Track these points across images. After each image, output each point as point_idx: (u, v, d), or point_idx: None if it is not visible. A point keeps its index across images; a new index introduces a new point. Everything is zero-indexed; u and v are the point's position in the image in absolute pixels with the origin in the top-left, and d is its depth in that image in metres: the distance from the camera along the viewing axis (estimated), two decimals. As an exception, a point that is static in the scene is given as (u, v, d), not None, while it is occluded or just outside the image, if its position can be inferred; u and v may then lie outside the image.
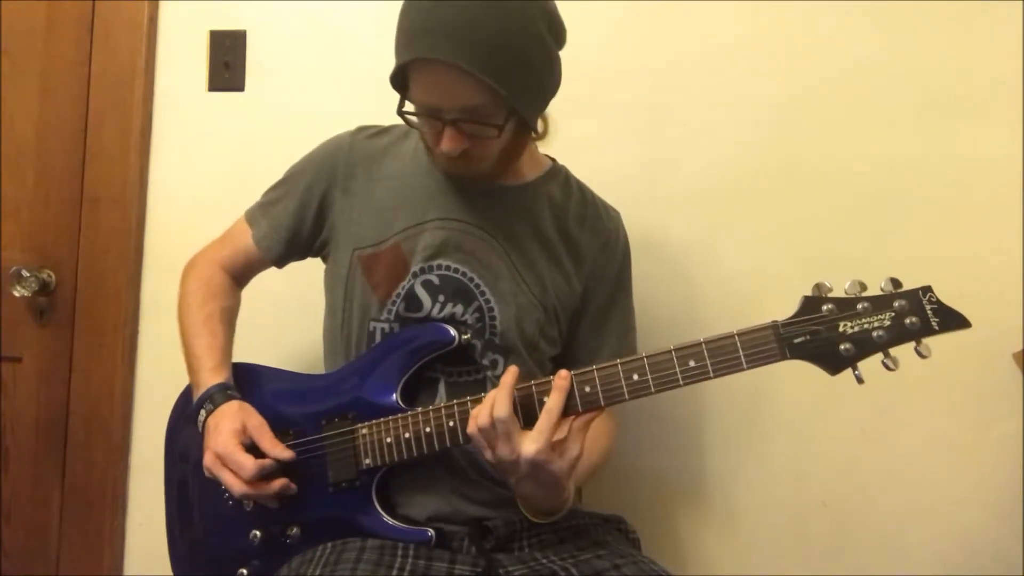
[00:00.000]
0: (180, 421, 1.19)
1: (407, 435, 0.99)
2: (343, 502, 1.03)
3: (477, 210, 1.10)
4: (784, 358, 0.86)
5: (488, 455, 0.92)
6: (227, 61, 1.59)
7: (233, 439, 1.01)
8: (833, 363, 0.85)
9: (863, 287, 0.86)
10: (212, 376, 1.09)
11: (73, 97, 1.61)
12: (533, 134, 1.07)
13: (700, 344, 0.88)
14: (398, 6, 0.96)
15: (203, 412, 1.07)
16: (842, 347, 0.85)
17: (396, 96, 0.99)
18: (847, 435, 1.44)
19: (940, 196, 1.43)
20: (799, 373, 0.87)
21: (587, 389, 0.91)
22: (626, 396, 0.90)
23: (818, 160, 1.46)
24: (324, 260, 1.20)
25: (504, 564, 0.99)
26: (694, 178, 1.48)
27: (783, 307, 0.88)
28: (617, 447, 1.20)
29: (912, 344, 0.84)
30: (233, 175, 1.57)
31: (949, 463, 1.42)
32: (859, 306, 0.85)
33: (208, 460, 1.02)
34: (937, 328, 0.83)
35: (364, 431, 1.02)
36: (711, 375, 0.88)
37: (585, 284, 1.15)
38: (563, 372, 0.91)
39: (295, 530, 1.04)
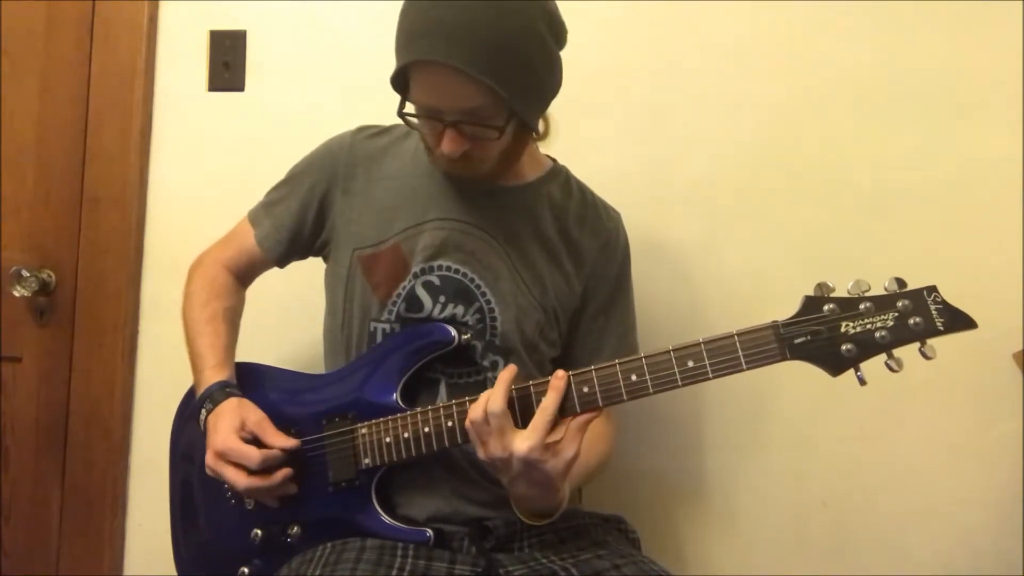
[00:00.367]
0: (183, 421, 1.20)
1: (406, 435, 0.99)
2: (343, 502, 1.03)
3: (477, 210, 1.10)
4: (784, 359, 0.85)
5: (481, 452, 0.91)
6: (227, 61, 1.59)
7: (233, 435, 1.01)
8: (834, 364, 0.84)
9: (867, 287, 0.85)
10: (213, 374, 1.09)
11: (73, 97, 1.61)
12: (534, 135, 1.07)
13: (699, 344, 0.87)
14: (398, 6, 0.95)
15: (203, 411, 1.07)
16: (844, 348, 0.84)
17: (396, 96, 0.98)
18: (847, 435, 1.44)
19: (940, 196, 1.43)
20: (799, 373, 0.86)
21: (585, 389, 0.90)
22: (624, 397, 0.89)
23: (818, 160, 1.46)
24: (325, 260, 1.20)
25: (504, 564, 0.98)
26: (694, 178, 1.48)
27: (784, 307, 0.87)
28: (617, 447, 1.19)
29: (916, 345, 0.82)
30: (233, 175, 1.57)
31: (949, 463, 1.42)
32: (862, 306, 0.84)
33: (209, 459, 1.02)
34: (942, 329, 0.82)
35: (363, 431, 1.02)
36: (710, 376, 0.87)
37: (585, 285, 1.15)
38: (560, 372, 0.91)
39: (296, 529, 1.05)
